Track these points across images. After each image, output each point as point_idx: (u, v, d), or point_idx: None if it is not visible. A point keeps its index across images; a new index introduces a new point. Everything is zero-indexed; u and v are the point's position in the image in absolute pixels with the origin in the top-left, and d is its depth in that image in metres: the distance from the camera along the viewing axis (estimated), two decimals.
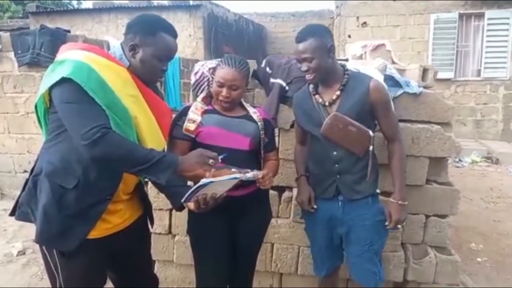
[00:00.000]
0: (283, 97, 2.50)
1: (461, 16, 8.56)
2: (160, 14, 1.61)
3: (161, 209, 2.66)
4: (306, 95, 1.97)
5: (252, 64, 2.51)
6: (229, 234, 1.92)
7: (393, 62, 3.49)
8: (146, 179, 1.67)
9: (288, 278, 2.72)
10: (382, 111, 1.85)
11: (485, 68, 8.58)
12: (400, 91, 2.45)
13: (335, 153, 1.88)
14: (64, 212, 1.44)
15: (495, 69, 8.53)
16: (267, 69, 2.66)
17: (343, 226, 1.94)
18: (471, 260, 3.39)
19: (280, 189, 2.59)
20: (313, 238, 2.11)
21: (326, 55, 1.79)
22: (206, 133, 1.81)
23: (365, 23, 8.94)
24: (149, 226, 1.86)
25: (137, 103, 1.53)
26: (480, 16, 8.51)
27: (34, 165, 1.55)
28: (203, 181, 1.42)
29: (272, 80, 2.58)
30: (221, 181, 1.49)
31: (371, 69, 2.47)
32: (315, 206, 1.99)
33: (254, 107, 2.01)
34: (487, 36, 8.50)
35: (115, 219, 1.59)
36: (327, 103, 1.87)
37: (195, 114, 1.84)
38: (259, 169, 1.87)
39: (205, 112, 1.87)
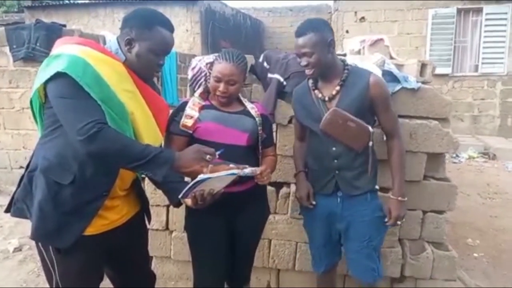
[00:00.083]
0: (281, 92, 2.49)
1: (459, 11, 8.54)
2: (157, 9, 1.58)
3: (158, 205, 2.65)
4: (306, 90, 1.95)
5: (250, 59, 2.50)
6: (226, 230, 1.91)
7: (391, 57, 3.47)
8: (143, 175, 1.66)
9: (286, 274, 2.72)
10: (381, 106, 1.84)
11: (482, 63, 8.57)
12: (398, 87, 2.44)
13: (334, 148, 1.87)
14: (60, 208, 1.43)
15: (492, 64, 8.53)
16: (265, 64, 2.65)
17: (342, 222, 1.94)
18: (467, 256, 3.40)
19: (278, 185, 2.59)
20: (311, 234, 2.11)
21: (326, 50, 1.78)
22: (204, 129, 1.80)
23: (363, 18, 8.92)
24: (146, 222, 1.85)
25: (133, 98, 1.51)
26: (478, 11, 8.50)
27: (30, 161, 1.53)
28: (200, 176, 1.41)
29: (269, 75, 2.56)
30: (219, 177, 1.48)
31: (369, 64, 2.46)
32: (313, 202, 1.99)
33: (251, 102, 2.00)
34: (485, 31, 8.49)
35: (112, 215, 1.58)
36: (326, 98, 1.85)
37: (192, 110, 1.83)
38: (257, 165, 1.86)
39: (202, 107, 1.85)
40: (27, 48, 4.92)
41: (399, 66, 2.77)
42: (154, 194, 2.59)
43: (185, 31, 9.87)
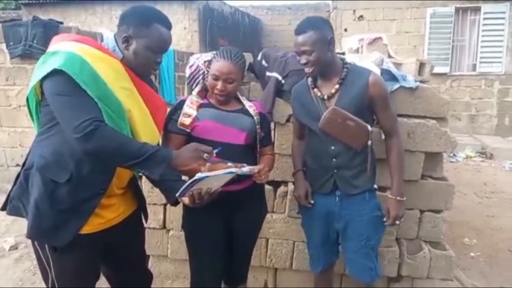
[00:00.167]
0: (279, 91, 2.48)
1: (457, 10, 8.55)
2: (155, 6, 1.57)
3: (155, 204, 2.64)
4: (305, 88, 1.94)
5: (248, 57, 2.49)
6: (224, 229, 1.90)
7: (390, 56, 3.46)
8: (140, 174, 1.65)
9: (283, 273, 2.72)
10: (381, 105, 1.83)
11: (480, 62, 8.59)
12: (396, 85, 2.43)
13: (333, 147, 1.86)
14: (56, 206, 1.42)
15: (490, 63, 8.54)
16: (263, 62, 2.64)
17: (340, 221, 1.93)
18: (464, 255, 3.40)
19: (276, 184, 2.58)
20: (309, 233, 2.10)
21: (326, 48, 1.77)
22: (202, 128, 1.79)
23: (361, 16, 8.91)
24: (143, 220, 1.85)
25: (131, 96, 1.50)
26: (476, 10, 8.51)
27: (26, 159, 1.52)
28: (198, 175, 1.41)
29: (268, 73, 2.55)
30: (217, 176, 1.47)
31: (368, 63, 2.45)
32: (312, 201, 1.98)
33: (250, 100, 1.99)
34: (483, 30, 8.51)
35: (109, 214, 1.57)
36: (325, 97, 1.85)
37: (190, 108, 1.82)
38: (255, 163, 1.85)
39: (200, 106, 1.84)
40: (24, 45, 4.88)
41: (398, 65, 2.77)
42: (151, 193, 2.58)
43: (183, 28, 9.83)
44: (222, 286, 2.02)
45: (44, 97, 1.40)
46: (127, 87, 1.49)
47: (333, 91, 1.83)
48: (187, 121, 1.79)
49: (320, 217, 1.98)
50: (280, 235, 2.59)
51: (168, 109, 1.83)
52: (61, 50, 1.38)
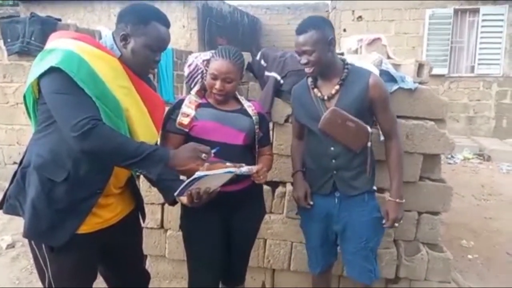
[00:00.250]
0: (278, 91, 2.47)
1: (456, 11, 8.56)
2: (153, 4, 1.56)
3: (153, 203, 2.63)
4: (305, 89, 1.94)
5: (247, 57, 2.48)
6: (222, 229, 1.89)
7: (389, 57, 3.46)
8: (138, 173, 1.64)
9: (281, 274, 2.71)
10: (381, 107, 1.83)
11: (478, 64, 8.60)
12: (395, 87, 2.43)
13: (332, 148, 1.86)
14: (53, 206, 1.41)
15: (488, 65, 8.55)
16: (262, 62, 2.63)
17: (339, 222, 1.93)
18: (462, 257, 3.40)
19: (274, 184, 2.57)
20: (308, 234, 2.09)
21: (327, 48, 1.76)
22: (200, 128, 1.78)
23: (360, 17, 8.91)
24: (141, 220, 1.83)
25: (129, 95, 1.49)
26: (475, 11, 8.52)
27: (23, 157, 1.51)
28: (197, 174, 1.40)
29: (267, 73, 2.54)
30: (216, 175, 1.46)
31: (367, 63, 2.45)
32: (311, 202, 1.97)
33: (249, 100, 1.98)
34: (482, 32, 8.52)
35: (106, 213, 1.56)
36: (325, 97, 1.84)
37: (188, 108, 1.81)
38: (254, 163, 1.84)
39: (199, 105, 1.83)
40: (21, 42, 4.86)
41: (396, 66, 2.76)
42: (149, 192, 2.56)
43: (182, 27, 9.80)
44: (220, 286, 2.01)
45: (41, 95, 1.39)
46: (125, 85, 1.48)
47: (333, 91, 1.82)
48: (186, 120, 1.78)
49: (319, 218, 1.97)
50: (278, 235, 2.58)
51: (167, 108, 1.82)
52: (58, 48, 1.37)
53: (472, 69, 8.69)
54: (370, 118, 1.88)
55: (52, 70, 1.31)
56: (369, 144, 1.84)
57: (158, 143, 1.77)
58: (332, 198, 1.92)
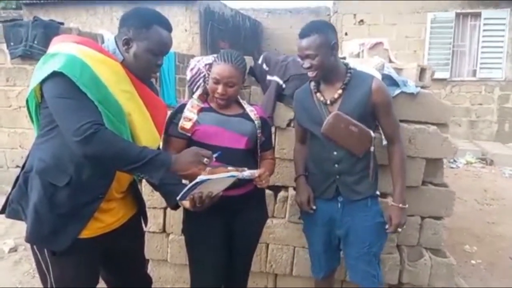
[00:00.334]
0: (280, 95, 2.47)
1: (457, 15, 8.56)
2: (155, 8, 1.56)
3: (155, 208, 2.62)
4: (307, 93, 1.93)
5: (249, 61, 2.48)
6: (225, 234, 1.89)
7: (391, 61, 3.46)
8: (140, 177, 1.64)
9: (283, 279, 2.69)
10: (383, 111, 1.83)
11: (480, 68, 8.58)
12: (397, 91, 2.42)
13: (335, 153, 1.85)
14: (56, 210, 1.41)
15: (490, 69, 8.53)
16: (264, 66, 2.63)
17: (342, 227, 1.92)
18: (465, 262, 3.38)
19: (276, 189, 2.56)
20: (311, 239, 2.08)
21: (330, 53, 1.76)
22: (203, 132, 1.78)
23: (362, 20, 8.91)
24: (143, 224, 1.83)
25: (131, 99, 1.49)
26: (477, 15, 8.51)
27: (25, 161, 1.50)
28: (200, 178, 1.40)
29: (269, 77, 2.54)
30: (218, 179, 1.46)
31: (369, 67, 2.45)
32: (314, 207, 1.96)
33: (251, 105, 1.98)
34: (483, 36, 8.50)
35: (108, 218, 1.55)
36: (328, 102, 1.84)
37: (191, 112, 1.81)
38: (256, 168, 1.84)
39: (201, 110, 1.83)
40: (24, 45, 4.88)
41: (398, 70, 2.76)
42: (151, 196, 2.56)
43: (184, 31, 9.85)
44: None
45: (44, 99, 1.39)
46: (128, 90, 1.48)
47: (336, 96, 1.82)
48: (188, 125, 1.78)
49: (322, 223, 1.96)
50: (281, 240, 2.57)
51: (169, 112, 1.82)
52: (61, 52, 1.37)
53: (474, 73, 8.67)
54: (372, 123, 1.88)
55: (54, 74, 1.31)
56: (372, 148, 1.83)
57: (161, 147, 1.76)
58: (335, 203, 1.91)
